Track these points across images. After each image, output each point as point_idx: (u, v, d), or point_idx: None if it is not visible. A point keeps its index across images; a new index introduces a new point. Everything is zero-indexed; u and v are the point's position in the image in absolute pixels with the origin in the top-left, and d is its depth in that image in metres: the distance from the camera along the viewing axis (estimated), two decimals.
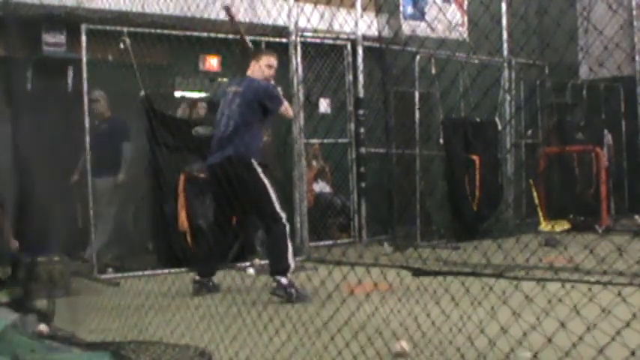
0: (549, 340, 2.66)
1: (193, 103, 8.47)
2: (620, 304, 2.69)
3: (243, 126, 5.71)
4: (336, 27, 8.74)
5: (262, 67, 5.92)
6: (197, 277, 5.93)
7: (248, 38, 6.27)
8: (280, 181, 8.82)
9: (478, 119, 9.96)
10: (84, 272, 6.98)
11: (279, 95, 5.91)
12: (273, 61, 6.01)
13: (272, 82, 5.99)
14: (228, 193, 5.65)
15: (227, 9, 6.19)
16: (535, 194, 10.48)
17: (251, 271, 6.39)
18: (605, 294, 2.87)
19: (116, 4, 7.66)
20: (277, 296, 5.42)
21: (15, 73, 6.72)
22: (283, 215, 5.65)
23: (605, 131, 11.40)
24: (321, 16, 7.75)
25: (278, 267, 5.51)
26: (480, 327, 2.99)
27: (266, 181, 5.67)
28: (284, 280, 5.44)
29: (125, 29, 7.45)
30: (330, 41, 9.31)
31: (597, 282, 4.26)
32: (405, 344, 3.56)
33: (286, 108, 5.93)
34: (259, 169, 5.67)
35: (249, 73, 5.98)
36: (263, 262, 7.06)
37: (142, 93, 7.48)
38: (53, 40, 8.20)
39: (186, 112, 8.52)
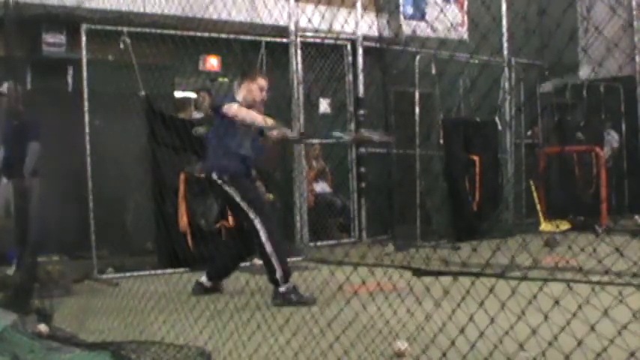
0: (550, 343, 2.66)
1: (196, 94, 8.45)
2: (620, 305, 2.69)
3: (213, 143, 5.69)
4: (337, 27, 8.74)
5: (256, 89, 5.70)
6: (202, 279, 5.93)
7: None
8: (280, 182, 8.83)
9: (478, 119, 9.96)
10: (84, 272, 6.98)
11: (231, 103, 5.60)
12: (266, 83, 5.82)
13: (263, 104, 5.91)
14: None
15: None
16: (535, 194, 10.48)
17: None
18: (605, 294, 2.87)
19: (116, 4, 7.66)
20: (278, 305, 5.37)
21: (15, 73, 6.71)
22: (257, 221, 5.42)
23: (612, 132, 11.41)
24: (322, 17, 7.75)
25: (270, 276, 5.44)
26: (480, 327, 2.99)
27: (232, 192, 5.52)
28: (281, 289, 5.38)
29: (125, 29, 7.46)
30: (331, 41, 9.31)
31: (598, 282, 4.26)
32: (404, 344, 3.56)
33: (237, 112, 5.50)
34: (222, 183, 5.54)
35: (242, 95, 5.71)
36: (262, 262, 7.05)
37: (142, 93, 7.48)
38: (53, 40, 8.20)
39: (189, 112, 8.47)
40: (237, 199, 5.50)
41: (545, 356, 2.69)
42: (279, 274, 5.38)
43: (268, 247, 5.38)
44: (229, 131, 5.55)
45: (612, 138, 11.50)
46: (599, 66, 9.06)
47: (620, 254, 2.92)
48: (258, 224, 5.42)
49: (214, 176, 5.57)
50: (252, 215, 5.45)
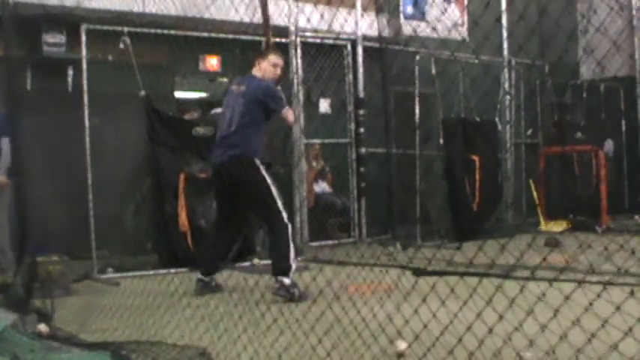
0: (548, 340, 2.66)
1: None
2: (628, 303, 2.68)
3: (247, 125, 5.67)
4: (337, 27, 8.74)
5: (268, 67, 5.88)
6: (200, 277, 5.93)
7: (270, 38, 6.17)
8: (281, 180, 8.83)
9: (478, 119, 9.96)
10: (84, 272, 6.97)
11: (282, 97, 5.87)
12: (279, 60, 5.97)
13: (278, 83, 5.99)
14: (231, 193, 5.67)
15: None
16: (535, 194, 10.48)
17: None
18: (608, 293, 2.87)
19: (116, 4, 7.66)
20: (280, 296, 5.42)
21: (15, 73, 6.70)
22: (285, 215, 5.61)
23: (610, 141, 11.39)
24: (322, 16, 7.75)
25: (280, 268, 5.50)
26: (481, 327, 2.99)
27: (269, 180, 5.63)
28: (286, 281, 5.44)
29: (125, 29, 7.45)
30: (330, 41, 9.31)
31: (599, 282, 4.26)
32: (404, 345, 3.56)
33: (287, 112, 5.86)
34: (263, 169, 5.64)
35: (254, 71, 5.94)
36: (263, 262, 7.06)
37: (142, 93, 7.48)
38: (53, 40, 8.20)
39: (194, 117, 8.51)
40: (272, 187, 5.62)
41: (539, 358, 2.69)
42: (288, 265, 5.47)
43: (290, 242, 5.55)
44: (264, 124, 5.83)
45: (609, 148, 11.46)
46: (599, 66, 9.05)
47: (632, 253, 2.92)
48: (286, 218, 5.59)
49: (256, 159, 5.63)
50: (280, 207, 5.59)
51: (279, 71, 5.96)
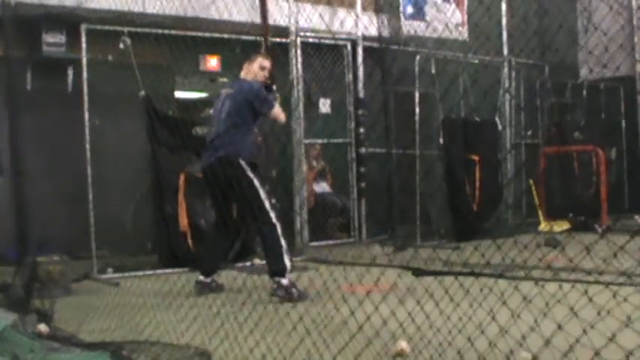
0: (547, 342, 2.66)
1: None
2: (617, 305, 2.69)
3: (234, 127, 5.72)
4: (337, 27, 8.75)
5: (255, 69, 5.95)
6: (200, 278, 5.94)
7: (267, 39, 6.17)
8: (273, 180, 8.83)
9: (478, 119, 9.97)
10: (84, 272, 6.98)
11: (269, 98, 5.87)
12: (266, 63, 6.02)
13: (273, 85, 6.02)
14: (222, 194, 5.69)
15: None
16: (535, 194, 10.48)
17: None
18: (604, 295, 2.88)
19: (116, 4, 7.66)
20: (278, 297, 5.43)
21: (15, 73, 6.71)
22: (273, 215, 5.60)
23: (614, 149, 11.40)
24: (322, 16, 7.76)
25: (275, 268, 5.50)
26: (480, 328, 3.00)
27: (256, 181, 5.64)
28: (284, 281, 5.44)
29: (125, 29, 7.46)
30: (330, 41, 9.31)
31: (596, 282, 4.27)
32: (404, 344, 3.57)
33: (277, 112, 5.88)
34: (248, 169, 5.65)
35: (242, 75, 6.02)
36: (262, 262, 7.06)
37: (142, 93, 7.49)
38: (53, 40, 8.20)
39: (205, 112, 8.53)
40: (259, 188, 5.63)
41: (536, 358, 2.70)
42: (283, 265, 5.46)
43: (283, 241, 5.54)
44: (252, 126, 5.84)
45: (612, 153, 11.44)
46: (599, 65, 9.06)
47: (615, 254, 2.92)
48: (274, 218, 5.59)
49: (241, 160, 5.64)
50: (268, 207, 5.59)
51: (267, 74, 6.01)
